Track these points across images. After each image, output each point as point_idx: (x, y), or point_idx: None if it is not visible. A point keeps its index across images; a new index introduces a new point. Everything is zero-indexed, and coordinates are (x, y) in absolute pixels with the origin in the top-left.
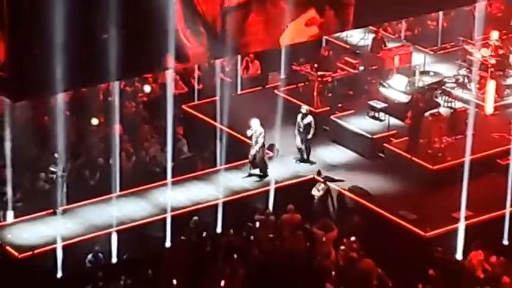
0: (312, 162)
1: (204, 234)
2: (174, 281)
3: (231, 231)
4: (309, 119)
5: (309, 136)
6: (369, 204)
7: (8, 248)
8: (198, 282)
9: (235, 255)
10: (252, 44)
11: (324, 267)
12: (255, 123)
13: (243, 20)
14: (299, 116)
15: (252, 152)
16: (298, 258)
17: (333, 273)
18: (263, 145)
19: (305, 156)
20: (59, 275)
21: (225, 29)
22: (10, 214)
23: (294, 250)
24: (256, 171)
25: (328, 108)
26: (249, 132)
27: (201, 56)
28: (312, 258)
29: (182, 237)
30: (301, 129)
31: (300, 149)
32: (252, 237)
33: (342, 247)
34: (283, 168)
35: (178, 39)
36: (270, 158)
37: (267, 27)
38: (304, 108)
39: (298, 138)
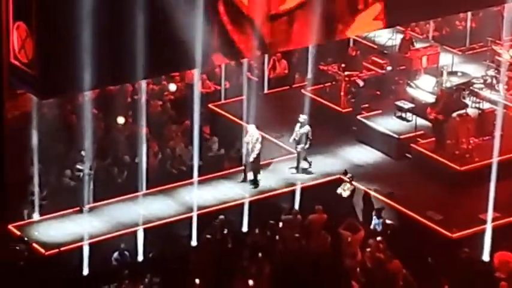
0: (309, 172)
1: (230, 233)
2: (199, 280)
3: (257, 230)
4: (306, 128)
5: (306, 146)
6: (396, 204)
7: (34, 245)
8: (223, 281)
9: (260, 254)
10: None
11: (350, 268)
12: (251, 129)
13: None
14: (297, 125)
15: (250, 159)
16: (324, 258)
17: (359, 273)
18: (260, 151)
19: (299, 164)
20: (85, 272)
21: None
22: (37, 212)
23: (320, 250)
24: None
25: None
26: (246, 139)
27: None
28: (338, 259)
29: (207, 236)
30: (297, 138)
31: (298, 159)
32: (277, 237)
33: (369, 248)
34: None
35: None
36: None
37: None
38: (302, 117)
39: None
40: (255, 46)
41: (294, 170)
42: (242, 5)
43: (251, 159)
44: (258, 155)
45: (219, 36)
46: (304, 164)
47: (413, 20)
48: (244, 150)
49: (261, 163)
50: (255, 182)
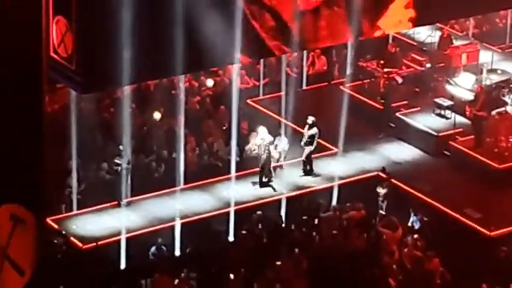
0: (315, 175)
1: (267, 228)
2: (235, 276)
3: (294, 226)
4: (314, 130)
5: (311, 148)
6: (434, 202)
7: (72, 239)
8: (260, 277)
9: (296, 250)
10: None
11: (387, 266)
12: (262, 132)
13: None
14: (306, 127)
15: (262, 162)
16: (361, 255)
17: (396, 271)
18: (270, 155)
19: (308, 167)
20: (122, 266)
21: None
22: (75, 205)
23: (358, 247)
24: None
25: (394, 105)
26: (258, 141)
27: (278, 50)
28: (375, 256)
29: (244, 231)
30: (305, 140)
31: (304, 161)
32: (315, 233)
33: (407, 245)
34: (347, 165)
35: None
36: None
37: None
38: (311, 119)
39: (306, 150)
40: (291, 43)
41: (302, 173)
42: (276, 1)
43: (263, 162)
44: (269, 157)
45: (254, 32)
46: (308, 167)
47: (452, 17)
48: (254, 153)
49: (272, 166)
50: (267, 184)
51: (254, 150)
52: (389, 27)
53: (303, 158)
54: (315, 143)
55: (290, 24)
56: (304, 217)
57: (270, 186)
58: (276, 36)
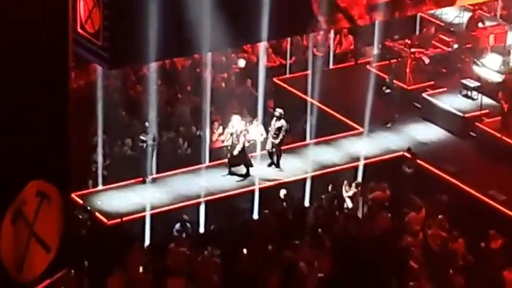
0: (280, 169)
1: (291, 207)
2: (259, 254)
3: (317, 205)
4: (281, 122)
5: (277, 141)
6: (459, 183)
7: (97, 214)
8: (283, 255)
9: (319, 230)
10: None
11: (410, 246)
12: (236, 121)
13: None
14: (273, 119)
15: (235, 152)
16: (385, 236)
17: (419, 252)
18: (244, 144)
19: (275, 160)
20: (147, 243)
21: None
22: (100, 181)
23: (381, 227)
24: (240, 169)
25: (420, 85)
26: (230, 130)
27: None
28: (399, 237)
29: (269, 210)
30: (273, 133)
31: (270, 153)
32: (339, 213)
33: (431, 226)
34: (372, 144)
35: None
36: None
37: None
38: (278, 111)
39: (269, 142)
40: (318, 21)
41: (269, 166)
42: None
43: (235, 152)
44: (243, 148)
45: (283, 9)
46: (275, 159)
47: None
48: (227, 143)
49: (249, 155)
50: (246, 175)
51: (228, 139)
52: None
53: (268, 149)
54: (281, 136)
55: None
56: (326, 196)
57: (243, 175)
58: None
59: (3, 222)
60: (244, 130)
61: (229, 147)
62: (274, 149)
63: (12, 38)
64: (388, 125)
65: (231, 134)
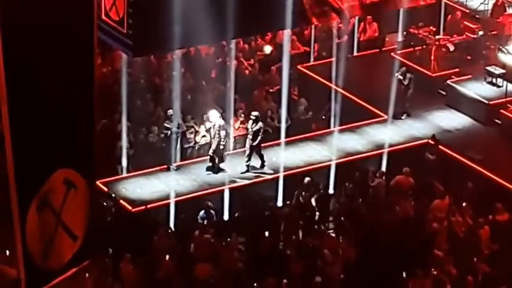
0: (256, 171)
1: (315, 195)
2: (284, 241)
3: (341, 193)
4: (259, 125)
5: (255, 143)
6: (484, 170)
7: (122, 201)
8: (306, 243)
9: (343, 218)
10: None
11: (434, 233)
12: (213, 116)
13: None
14: (249, 122)
15: (213, 146)
16: (409, 222)
17: (443, 239)
18: (223, 139)
19: (250, 162)
20: (171, 230)
21: None
22: (124, 168)
23: (405, 214)
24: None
25: (445, 72)
26: (207, 125)
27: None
28: (423, 224)
29: (287, 202)
30: (250, 136)
31: (249, 155)
32: (361, 200)
33: (455, 214)
34: (396, 132)
35: None
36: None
37: None
38: (254, 114)
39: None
40: (344, 9)
41: (245, 168)
42: None
43: (214, 146)
44: (219, 142)
45: None
46: (255, 162)
47: None
48: (203, 139)
49: (225, 152)
50: (218, 170)
51: (204, 136)
52: None
53: (247, 151)
54: (259, 138)
55: None
56: (351, 184)
57: (222, 170)
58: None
59: (29, 210)
60: (222, 124)
61: (210, 143)
62: (253, 151)
63: (39, 26)
64: (403, 117)
65: (209, 130)
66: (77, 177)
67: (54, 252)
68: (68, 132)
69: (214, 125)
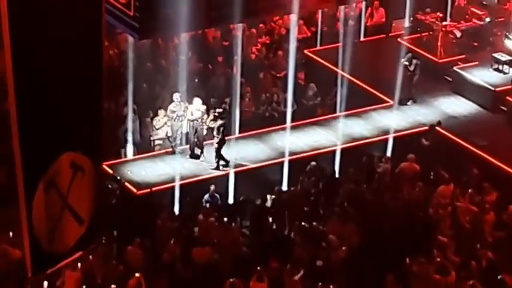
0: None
1: (320, 179)
2: (288, 225)
3: (346, 177)
4: (220, 123)
5: (219, 138)
6: (489, 157)
7: (127, 184)
8: (311, 227)
9: (346, 203)
10: None
11: (438, 220)
12: (196, 103)
13: None
14: (210, 117)
15: (195, 134)
16: (414, 208)
17: (447, 226)
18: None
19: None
20: (176, 213)
21: None
22: (130, 151)
23: (410, 200)
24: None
25: (451, 58)
26: (192, 112)
27: None
28: (427, 210)
29: (292, 188)
30: (215, 132)
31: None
32: (366, 185)
33: (460, 200)
34: (402, 117)
35: None
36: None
37: None
38: (218, 110)
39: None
40: None
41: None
42: None
43: (196, 134)
44: (201, 130)
45: None
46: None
47: None
48: (186, 130)
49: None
50: (196, 157)
51: (181, 120)
52: None
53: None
54: (220, 135)
55: None
56: (357, 169)
57: (200, 157)
58: None
59: (36, 192)
60: (204, 113)
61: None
62: (217, 145)
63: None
64: (409, 103)
65: (193, 121)
66: (84, 160)
67: (60, 235)
68: (75, 116)
69: (198, 113)
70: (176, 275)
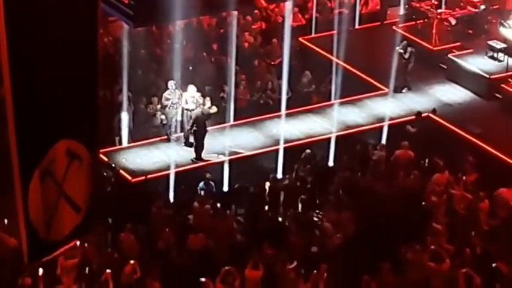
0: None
1: (315, 167)
2: (283, 213)
3: (341, 165)
4: (195, 112)
5: (190, 131)
6: (483, 144)
7: (121, 171)
8: (305, 215)
9: (341, 191)
10: None
11: (434, 207)
12: (191, 91)
13: None
14: (186, 111)
15: (191, 121)
16: (408, 196)
17: (443, 213)
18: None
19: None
20: (171, 200)
21: None
22: (125, 139)
23: (404, 187)
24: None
25: (446, 46)
26: (186, 105)
27: None
28: (422, 197)
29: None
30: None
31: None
32: (361, 173)
33: (454, 187)
34: (397, 105)
35: None
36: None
37: None
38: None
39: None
40: None
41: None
42: None
43: (192, 121)
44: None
45: None
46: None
47: None
48: (181, 118)
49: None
50: (191, 145)
51: (175, 107)
52: None
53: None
54: (193, 128)
55: None
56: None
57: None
58: None
59: (31, 180)
60: (200, 101)
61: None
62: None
63: None
64: (404, 91)
65: (189, 110)
66: (80, 148)
67: (56, 223)
68: (71, 103)
69: (193, 99)
70: (171, 262)
